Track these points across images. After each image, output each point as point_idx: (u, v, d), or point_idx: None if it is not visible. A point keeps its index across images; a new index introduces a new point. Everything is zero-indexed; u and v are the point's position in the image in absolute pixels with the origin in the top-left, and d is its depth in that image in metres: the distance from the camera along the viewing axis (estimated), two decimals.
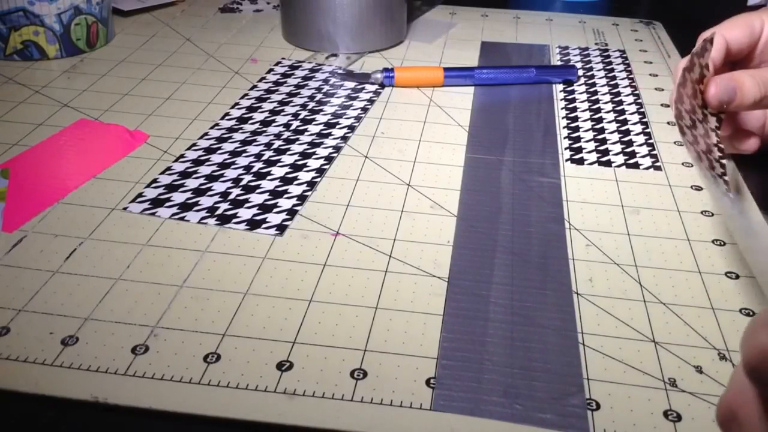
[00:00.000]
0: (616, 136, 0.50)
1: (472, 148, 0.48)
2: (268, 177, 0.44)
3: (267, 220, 0.40)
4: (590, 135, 0.51)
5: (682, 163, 0.47)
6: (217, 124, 0.50)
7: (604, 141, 0.50)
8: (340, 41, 0.62)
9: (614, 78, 0.59)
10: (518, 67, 0.58)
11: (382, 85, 0.56)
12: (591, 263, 0.38)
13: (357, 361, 0.31)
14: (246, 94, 0.54)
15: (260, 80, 0.57)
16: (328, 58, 0.61)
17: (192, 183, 0.43)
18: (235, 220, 0.40)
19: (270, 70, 0.59)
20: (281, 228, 0.39)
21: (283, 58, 0.61)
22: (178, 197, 0.42)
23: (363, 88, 0.56)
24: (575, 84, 0.58)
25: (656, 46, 0.67)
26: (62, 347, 0.31)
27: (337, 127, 0.50)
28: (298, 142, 0.48)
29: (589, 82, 0.59)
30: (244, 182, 0.43)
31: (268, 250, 0.38)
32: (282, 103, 0.53)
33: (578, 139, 0.50)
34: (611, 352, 0.32)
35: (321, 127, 0.50)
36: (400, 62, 0.61)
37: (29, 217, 0.40)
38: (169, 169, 0.44)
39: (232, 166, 0.45)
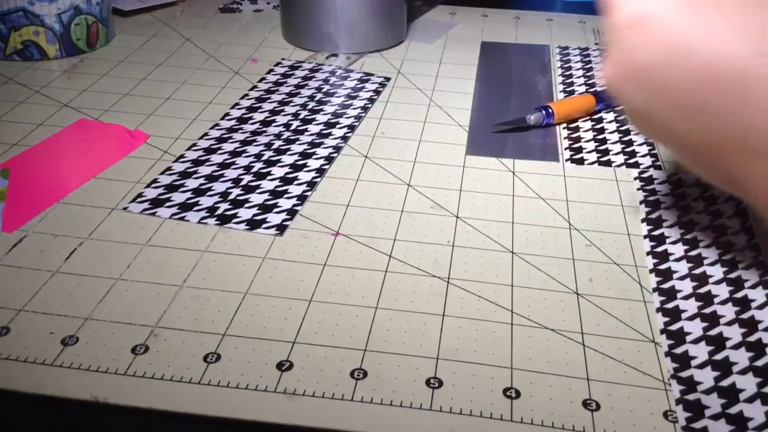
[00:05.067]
0: (616, 136, 0.50)
1: (472, 148, 0.48)
2: (268, 177, 0.44)
3: (267, 220, 0.40)
4: (590, 135, 0.51)
5: None
6: (217, 124, 0.50)
7: (604, 141, 0.50)
8: (340, 41, 0.62)
9: None
10: None
11: (541, 126, 0.51)
12: (591, 263, 0.38)
13: (357, 361, 0.31)
14: (246, 95, 0.54)
15: (260, 80, 0.57)
16: (328, 58, 0.61)
17: (192, 183, 0.43)
18: (235, 220, 0.40)
19: (270, 71, 0.59)
20: (281, 228, 0.39)
21: (283, 59, 0.61)
22: (178, 197, 0.42)
23: (363, 87, 0.56)
24: (575, 85, 0.58)
25: None
26: (62, 347, 0.31)
27: (337, 126, 0.50)
28: (298, 142, 0.48)
29: (590, 82, 0.59)
30: (244, 182, 0.43)
31: (268, 250, 0.38)
32: (282, 103, 0.53)
33: (578, 139, 0.50)
34: (611, 352, 0.32)
35: (321, 127, 0.50)
36: (400, 62, 0.61)
37: (29, 217, 0.40)
38: (169, 169, 0.44)
39: (232, 166, 0.45)
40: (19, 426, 0.28)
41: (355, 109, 0.53)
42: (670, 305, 0.35)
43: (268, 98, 0.54)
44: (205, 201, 0.41)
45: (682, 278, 0.37)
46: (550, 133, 0.51)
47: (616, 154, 0.48)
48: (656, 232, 0.40)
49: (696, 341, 0.33)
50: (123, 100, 0.53)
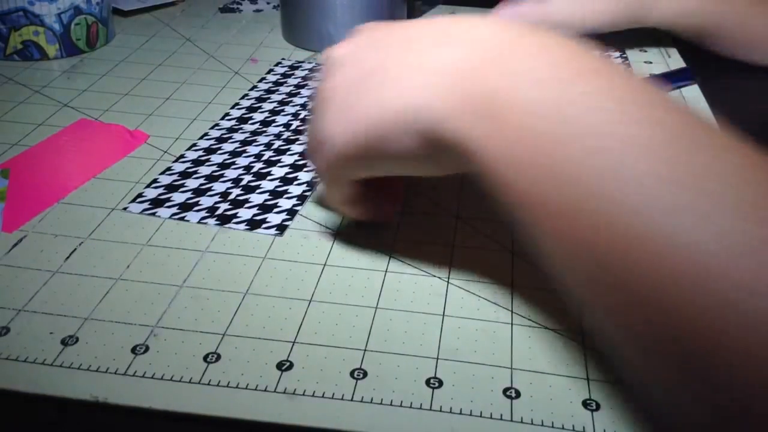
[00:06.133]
0: None
1: None
2: (269, 177, 0.44)
3: (267, 220, 0.40)
4: None
5: None
6: (217, 124, 0.50)
7: None
8: (340, 41, 0.62)
9: None
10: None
11: None
12: None
13: (357, 361, 0.31)
14: (246, 95, 0.54)
15: (260, 80, 0.57)
16: None
17: (192, 183, 0.43)
18: (235, 220, 0.40)
19: (270, 71, 0.59)
20: (281, 228, 0.39)
21: (283, 59, 0.61)
22: (178, 197, 0.42)
23: None
24: None
25: (656, 46, 0.67)
26: (62, 347, 0.31)
27: None
28: (298, 143, 0.48)
29: None
30: (244, 182, 0.43)
31: (268, 250, 0.38)
32: (282, 103, 0.53)
33: None
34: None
35: None
36: None
37: (29, 217, 0.40)
38: (169, 169, 0.44)
39: (232, 167, 0.45)
40: (19, 426, 0.28)
41: None
42: None
43: (268, 98, 0.54)
44: (205, 201, 0.41)
45: None
46: None
47: None
48: None
49: None
50: (123, 100, 0.53)
